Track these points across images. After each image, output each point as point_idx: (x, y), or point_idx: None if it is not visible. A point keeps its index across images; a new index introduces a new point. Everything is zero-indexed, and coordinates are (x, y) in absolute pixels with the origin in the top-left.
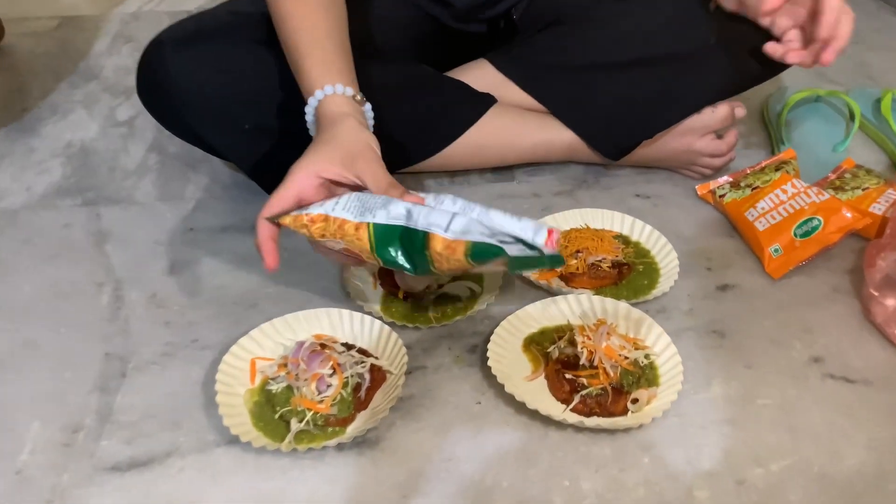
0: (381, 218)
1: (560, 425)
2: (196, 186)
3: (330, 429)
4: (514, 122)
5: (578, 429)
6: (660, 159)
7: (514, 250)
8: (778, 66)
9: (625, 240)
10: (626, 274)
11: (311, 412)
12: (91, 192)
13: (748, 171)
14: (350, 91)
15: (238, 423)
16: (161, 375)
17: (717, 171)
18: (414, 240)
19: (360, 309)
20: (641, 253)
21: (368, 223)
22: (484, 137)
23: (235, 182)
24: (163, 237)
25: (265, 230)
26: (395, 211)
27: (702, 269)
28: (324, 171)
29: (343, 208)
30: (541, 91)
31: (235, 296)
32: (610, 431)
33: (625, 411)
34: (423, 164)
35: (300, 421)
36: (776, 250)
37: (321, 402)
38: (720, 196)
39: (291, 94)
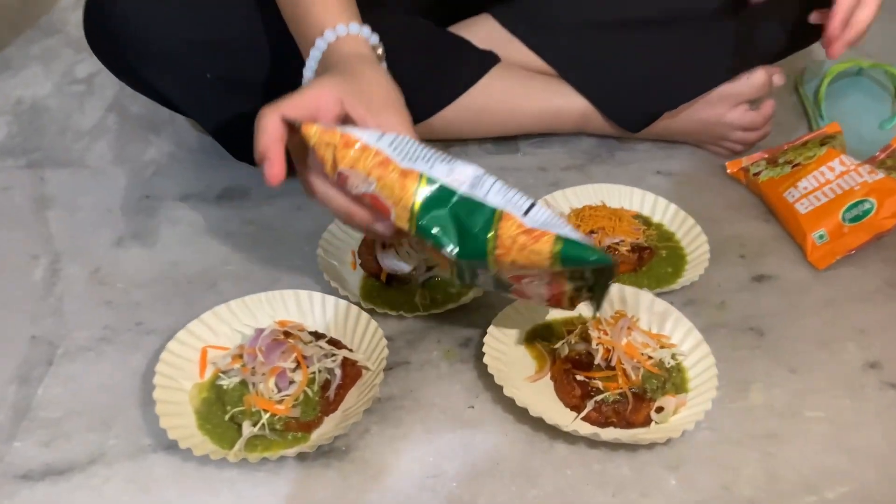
0: (440, 173)
1: (569, 437)
2: (157, 150)
3: (290, 435)
4: (518, 86)
5: (591, 442)
6: (685, 132)
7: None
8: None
9: (645, 220)
10: (647, 259)
11: (268, 414)
12: (37, 153)
13: (786, 147)
14: (375, 38)
15: (179, 426)
16: (94, 364)
17: (749, 147)
18: (475, 214)
19: (335, 292)
20: (665, 236)
21: (422, 173)
22: (484, 101)
23: (202, 146)
24: (114, 205)
25: (274, 128)
26: (461, 170)
27: (734, 256)
28: (347, 102)
29: (390, 145)
30: (550, 51)
31: (191, 274)
32: (630, 446)
33: (647, 422)
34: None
35: (254, 424)
36: (821, 237)
37: (280, 401)
38: (754, 174)
39: (265, 39)
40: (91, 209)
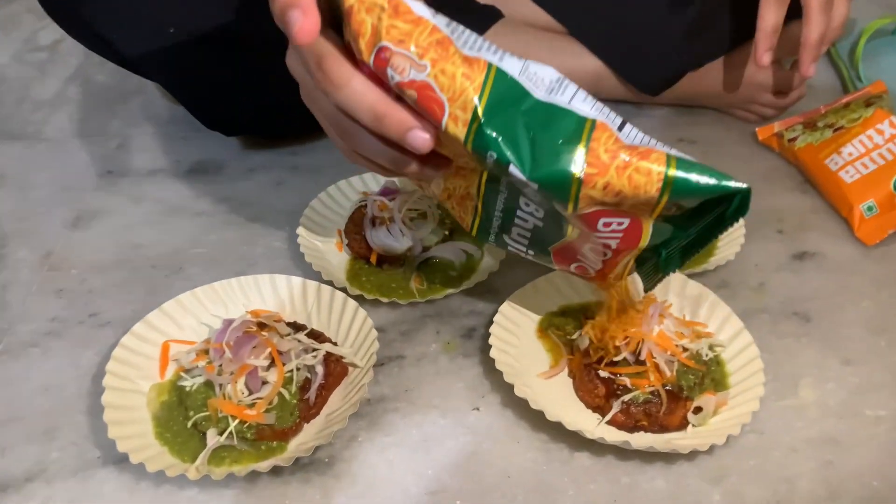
0: (511, 67)
1: (593, 445)
2: (123, 122)
3: (263, 445)
4: (521, 44)
5: (619, 451)
6: (709, 95)
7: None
8: None
9: None
10: None
11: (237, 421)
12: None
13: (823, 110)
14: None
15: (131, 435)
16: (38, 363)
17: (781, 112)
18: (558, 123)
19: (317, 277)
20: None
21: (492, 64)
22: None
23: (173, 117)
24: (71, 182)
25: None
26: (538, 69)
27: (771, 232)
28: None
29: (447, 26)
30: (557, 4)
31: (155, 257)
32: (664, 455)
33: (683, 425)
34: None
35: (220, 433)
36: (869, 208)
37: (251, 406)
38: (790, 140)
39: None
40: (45, 186)
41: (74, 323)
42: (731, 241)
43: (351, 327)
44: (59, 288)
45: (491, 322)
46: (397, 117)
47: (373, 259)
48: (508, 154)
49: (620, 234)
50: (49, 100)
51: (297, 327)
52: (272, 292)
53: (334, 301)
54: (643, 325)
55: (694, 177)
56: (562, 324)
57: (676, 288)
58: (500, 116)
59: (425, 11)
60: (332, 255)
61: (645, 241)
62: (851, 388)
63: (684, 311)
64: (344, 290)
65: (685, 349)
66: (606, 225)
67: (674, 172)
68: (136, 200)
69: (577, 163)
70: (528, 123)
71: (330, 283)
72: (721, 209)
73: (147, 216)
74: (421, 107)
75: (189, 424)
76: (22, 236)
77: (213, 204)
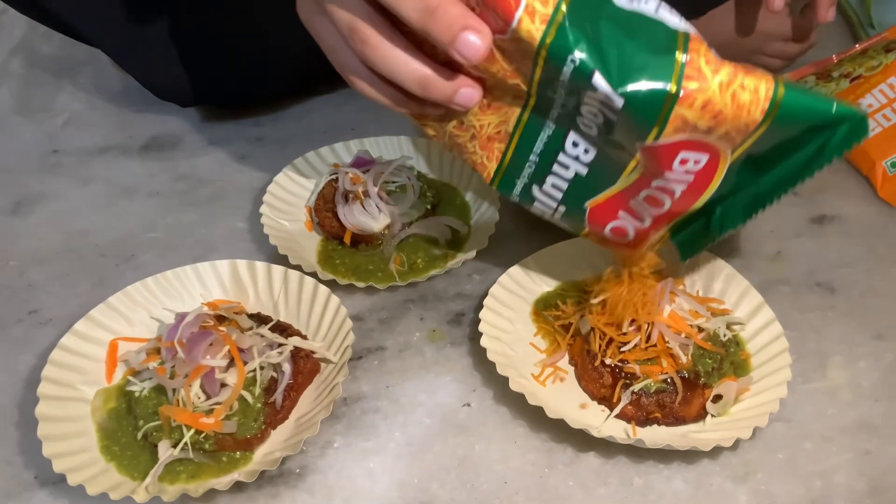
0: None
1: (601, 443)
2: (71, 96)
3: (224, 456)
4: None
5: (631, 448)
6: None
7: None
8: None
9: None
10: None
11: (192, 430)
12: None
13: (836, 59)
14: None
15: (71, 451)
16: None
17: (790, 62)
18: (647, 31)
19: (283, 261)
20: None
21: None
22: None
23: (126, 90)
24: (12, 163)
25: None
26: None
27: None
28: None
29: None
30: None
31: (104, 244)
32: (683, 453)
33: (701, 415)
34: None
35: (174, 445)
36: (893, 164)
37: (209, 412)
38: None
39: None
40: None
41: (11, 322)
42: None
43: (323, 317)
44: None
45: (481, 306)
46: (452, 12)
47: (346, 239)
48: (594, 60)
49: (692, 177)
50: None
51: (260, 320)
52: (233, 280)
53: (303, 288)
54: (653, 304)
55: (804, 98)
56: (560, 304)
57: (686, 261)
58: (584, 16)
59: None
60: (301, 235)
61: (712, 189)
62: (886, 366)
63: (696, 286)
64: (314, 275)
65: (700, 330)
66: (683, 162)
67: (783, 91)
68: (84, 182)
69: (676, 74)
70: (613, 29)
71: (298, 267)
72: (822, 139)
73: (95, 199)
74: (484, 4)
75: (139, 436)
76: None
77: (169, 183)
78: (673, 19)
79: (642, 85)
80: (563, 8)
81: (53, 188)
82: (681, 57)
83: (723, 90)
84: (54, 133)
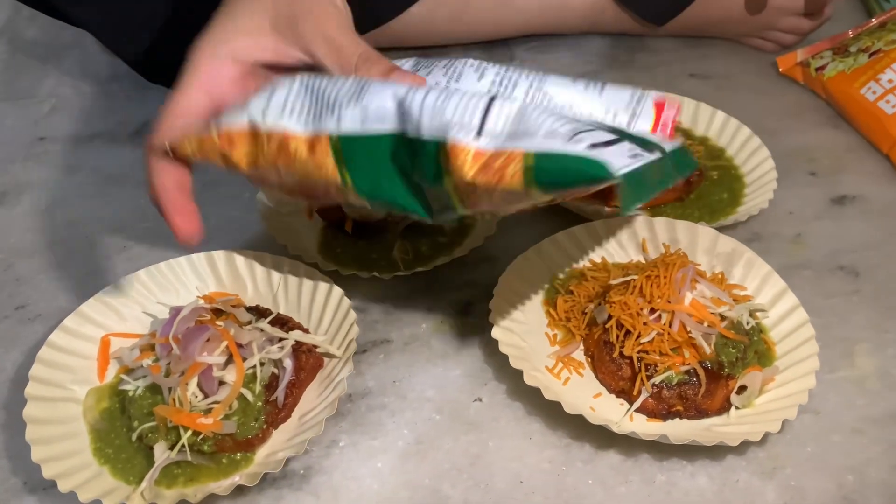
0: (352, 122)
1: (620, 439)
2: (57, 81)
3: (224, 458)
4: None
5: (652, 444)
6: (722, 23)
7: (620, 160)
8: None
9: (686, 133)
10: (695, 184)
11: (189, 431)
12: None
13: (852, 34)
14: None
15: (62, 455)
16: None
17: (803, 38)
18: (420, 157)
19: (283, 251)
20: (713, 153)
21: (330, 134)
22: None
23: (115, 74)
24: None
25: (164, 173)
26: (377, 104)
27: (802, 175)
28: (245, 49)
29: (282, 109)
30: None
31: (95, 234)
32: (706, 448)
33: (724, 407)
34: (382, 32)
35: (170, 447)
36: None
37: (207, 412)
38: (817, 69)
39: None
40: None
41: None
42: (760, 187)
43: (325, 310)
44: None
45: (490, 295)
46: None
47: (348, 227)
48: (403, 204)
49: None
50: None
51: (260, 313)
52: (229, 272)
53: (304, 279)
54: (673, 292)
55: (554, 167)
56: (573, 291)
57: (705, 244)
58: (370, 177)
59: (258, 112)
60: (301, 224)
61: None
62: None
63: (716, 271)
64: (315, 265)
65: (723, 318)
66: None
67: (534, 174)
68: (72, 170)
69: (451, 194)
70: (400, 165)
71: (298, 257)
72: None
73: (84, 188)
74: (316, 196)
75: (134, 437)
76: None
77: None
78: (433, 118)
79: (437, 210)
80: (344, 165)
81: (40, 177)
82: (446, 178)
83: (487, 193)
84: (40, 120)
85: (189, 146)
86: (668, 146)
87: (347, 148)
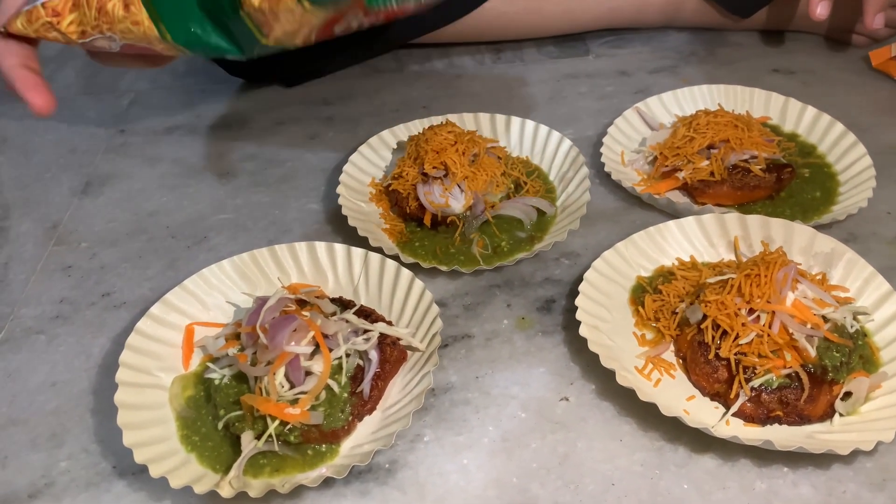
0: None
1: (716, 443)
2: (136, 75)
3: (310, 450)
4: None
5: (752, 450)
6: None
7: None
8: None
9: (774, 129)
10: (787, 181)
11: (277, 421)
12: None
13: None
14: None
15: (151, 440)
16: (44, 353)
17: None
18: None
19: (363, 243)
20: (805, 150)
21: None
22: None
23: (191, 68)
24: (80, 143)
25: (8, 54)
26: None
27: None
28: None
29: None
30: None
31: (176, 226)
32: (811, 456)
33: (828, 414)
34: (457, 26)
35: (257, 436)
36: None
37: (294, 402)
38: None
39: None
40: (51, 150)
41: (85, 305)
42: (856, 186)
43: (406, 302)
44: (66, 264)
45: (573, 292)
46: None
47: (426, 220)
48: (215, 45)
49: None
50: (54, 55)
51: (343, 304)
52: (311, 263)
53: (385, 271)
54: (775, 292)
55: None
56: (660, 291)
57: (802, 243)
58: (180, 22)
59: None
60: (380, 217)
61: None
62: None
63: (814, 271)
64: (396, 257)
65: (826, 320)
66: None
67: None
68: (152, 162)
69: (249, 23)
70: (205, 6)
71: (379, 249)
72: None
73: (164, 179)
74: (144, 58)
75: (220, 426)
76: (25, 206)
77: (239, 162)
78: None
79: (244, 45)
80: (157, 17)
81: (121, 168)
82: (241, 9)
83: (273, 13)
84: (120, 113)
85: (21, 23)
86: None
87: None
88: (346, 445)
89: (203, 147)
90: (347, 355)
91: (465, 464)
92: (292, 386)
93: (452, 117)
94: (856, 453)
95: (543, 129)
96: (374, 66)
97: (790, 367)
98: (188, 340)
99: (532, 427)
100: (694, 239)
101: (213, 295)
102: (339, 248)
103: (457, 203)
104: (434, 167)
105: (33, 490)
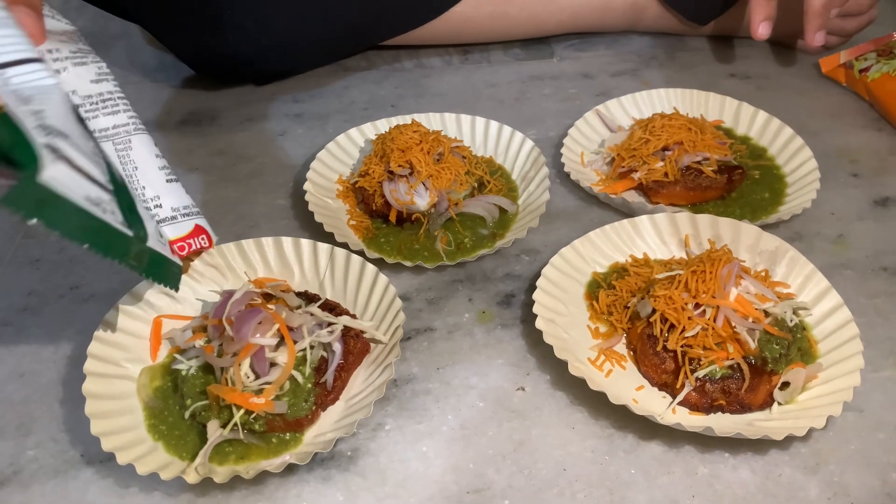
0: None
1: (662, 430)
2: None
3: (274, 438)
4: None
5: (695, 437)
6: None
7: (72, 181)
8: None
9: (728, 132)
10: (738, 182)
11: (242, 410)
12: None
13: (895, 37)
14: None
15: (119, 429)
16: (11, 345)
17: (846, 39)
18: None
19: (329, 238)
20: (756, 152)
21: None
22: None
23: (161, 64)
24: None
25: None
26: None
27: (845, 176)
28: None
29: None
30: None
31: None
32: (749, 442)
33: (767, 403)
34: (424, 30)
35: (223, 425)
36: None
37: (259, 392)
38: (861, 71)
39: None
40: None
41: (53, 297)
42: (802, 187)
43: (371, 296)
44: (35, 258)
45: (531, 287)
46: None
47: (392, 217)
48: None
49: None
50: None
51: (309, 298)
52: (277, 258)
53: (350, 266)
54: (719, 287)
55: None
56: (614, 286)
57: (749, 241)
58: None
59: None
60: (346, 213)
61: None
62: None
63: (758, 268)
64: (361, 253)
65: (767, 314)
66: None
67: None
68: None
69: None
70: None
71: (345, 245)
72: None
73: None
74: None
75: (187, 415)
76: None
77: (208, 158)
78: None
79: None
80: None
81: None
82: None
83: None
84: None
85: None
86: (158, 247)
87: None
88: (310, 434)
89: (172, 143)
90: (311, 347)
91: (424, 451)
92: (257, 376)
93: (419, 117)
94: (792, 439)
95: (507, 129)
96: (344, 64)
97: (732, 358)
98: (156, 332)
99: (489, 416)
100: (647, 237)
101: (183, 289)
102: (306, 243)
103: (421, 200)
104: (399, 165)
105: (1, 478)
